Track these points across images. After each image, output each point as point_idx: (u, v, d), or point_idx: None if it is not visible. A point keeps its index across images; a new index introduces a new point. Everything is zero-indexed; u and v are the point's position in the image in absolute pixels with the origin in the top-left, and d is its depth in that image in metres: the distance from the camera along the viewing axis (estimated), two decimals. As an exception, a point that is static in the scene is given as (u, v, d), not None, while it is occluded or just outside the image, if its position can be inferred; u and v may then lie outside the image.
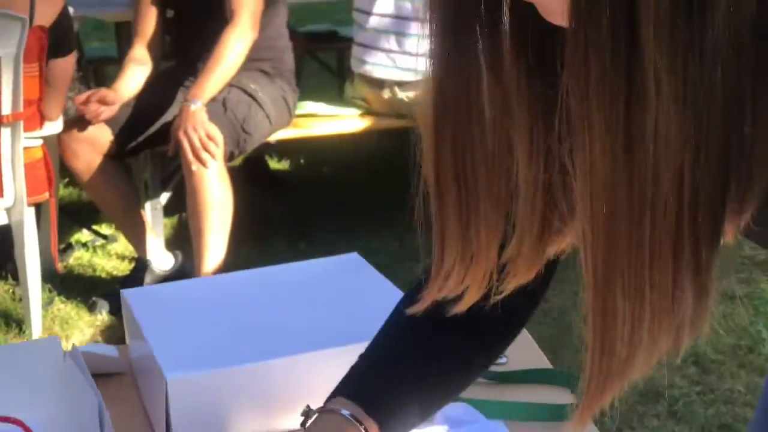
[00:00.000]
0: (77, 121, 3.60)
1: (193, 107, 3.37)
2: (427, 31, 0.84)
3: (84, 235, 4.35)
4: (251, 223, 3.80)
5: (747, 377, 3.07)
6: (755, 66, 0.67)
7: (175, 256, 3.83)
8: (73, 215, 4.37)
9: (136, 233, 3.79)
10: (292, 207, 4.60)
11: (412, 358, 1.08)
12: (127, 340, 1.59)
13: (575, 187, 0.71)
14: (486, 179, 0.87)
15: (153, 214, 3.90)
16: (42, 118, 3.42)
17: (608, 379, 0.76)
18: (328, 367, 1.36)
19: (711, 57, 0.65)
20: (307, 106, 4.07)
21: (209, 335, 1.45)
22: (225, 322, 1.49)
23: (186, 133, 3.34)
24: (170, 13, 3.80)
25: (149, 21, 3.74)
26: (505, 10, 0.81)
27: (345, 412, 1.04)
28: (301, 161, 5.16)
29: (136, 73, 3.69)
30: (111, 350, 1.57)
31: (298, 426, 1.38)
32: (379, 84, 3.93)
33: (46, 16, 3.26)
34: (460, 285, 0.93)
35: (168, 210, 4.06)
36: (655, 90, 0.65)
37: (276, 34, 3.76)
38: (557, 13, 0.71)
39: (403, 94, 3.89)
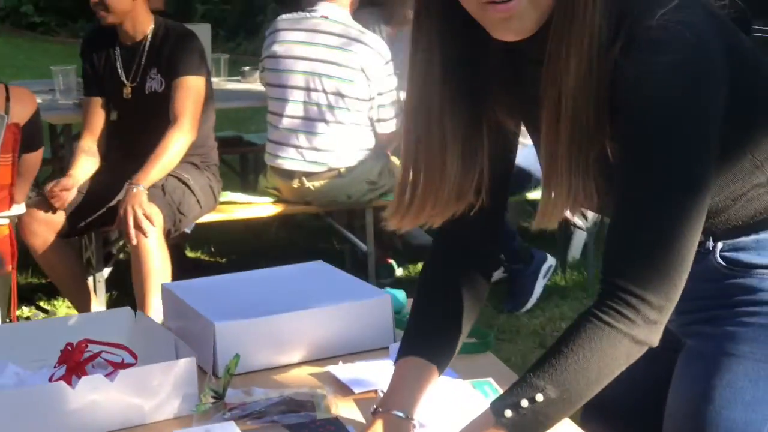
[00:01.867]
0: (37, 204, 4.25)
1: (135, 189, 4.06)
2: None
3: (24, 311, 4.93)
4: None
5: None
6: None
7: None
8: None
9: (82, 301, 4.43)
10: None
11: (447, 311, 1.75)
12: (165, 321, 2.28)
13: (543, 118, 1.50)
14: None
15: (96, 286, 4.54)
16: (11, 201, 4.05)
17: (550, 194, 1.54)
18: (318, 319, 2.11)
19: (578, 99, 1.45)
20: (228, 195, 4.79)
21: (233, 304, 2.17)
22: (240, 297, 2.22)
23: (127, 210, 4.02)
24: (114, 116, 4.51)
25: (97, 120, 4.45)
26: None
27: (399, 413, 1.65)
28: (212, 249, 5.86)
29: (86, 162, 4.38)
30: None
31: (297, 360, 2.11)
32: (289, 175, 4.68)
33: (21, 115, 3.92)
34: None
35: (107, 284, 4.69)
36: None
37: (206, 135, 4.51)
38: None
39: (310, 184, 4.65)
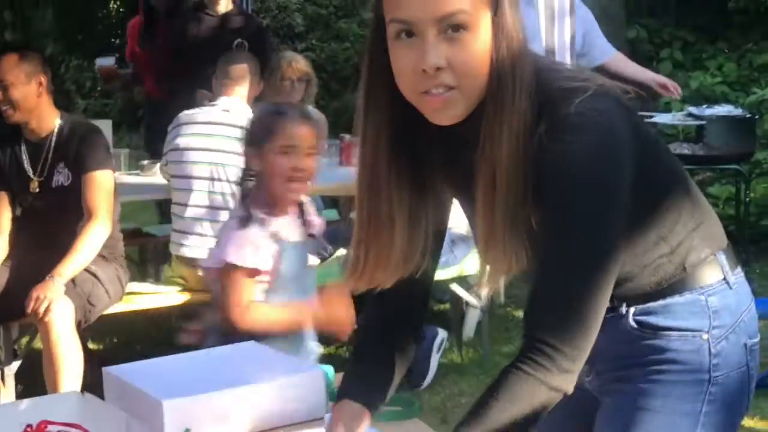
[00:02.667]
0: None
1: (51, 282, 4.12)
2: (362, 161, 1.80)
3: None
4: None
5: None
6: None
7: (26, 415, 4.50)
8: None
9: (-9, 396, 4.46)
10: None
11: (382, 361, 1.97)
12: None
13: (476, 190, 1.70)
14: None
15: (5, 380, 4.57)
16: None
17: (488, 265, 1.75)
18: (259, 394, 2.25)
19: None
20: (133, 286, 4.88)
21: (176, 383, 2.30)
22: (181, 376, 2.35)
23: (39, 298, 4.07)
24: (19, 211, 4.57)
25: (4, 215, 4.51)
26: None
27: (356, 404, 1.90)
28: (115, 340, 5.92)
29: None
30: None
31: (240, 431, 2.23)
32: (194, 263, 4.79)
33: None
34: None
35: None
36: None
37: (113, 228, 4.60)
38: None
39: (214, 271, 4.77)
